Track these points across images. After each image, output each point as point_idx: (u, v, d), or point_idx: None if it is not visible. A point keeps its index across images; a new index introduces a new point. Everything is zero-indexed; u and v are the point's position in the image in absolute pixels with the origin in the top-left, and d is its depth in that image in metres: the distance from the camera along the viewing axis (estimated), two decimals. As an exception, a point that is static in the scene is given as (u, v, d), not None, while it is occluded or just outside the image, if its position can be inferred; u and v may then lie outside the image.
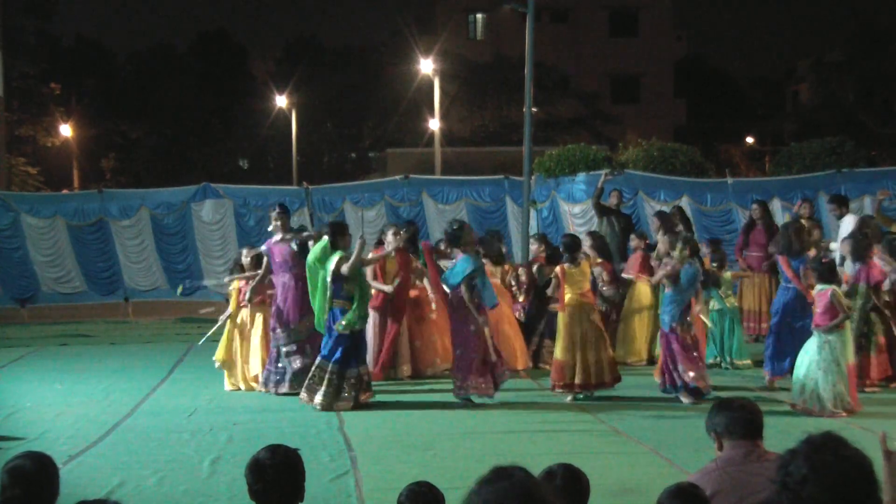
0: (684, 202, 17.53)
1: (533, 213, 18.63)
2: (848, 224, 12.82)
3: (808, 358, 9.66)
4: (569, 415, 9.94)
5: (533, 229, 17.12)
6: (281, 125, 46.93)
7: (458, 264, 10.34)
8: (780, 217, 17.36)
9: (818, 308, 9.74)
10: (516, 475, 2.63)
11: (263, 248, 11.53)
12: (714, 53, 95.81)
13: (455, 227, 10.67)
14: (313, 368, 10.39)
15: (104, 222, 19.17)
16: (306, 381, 10.39)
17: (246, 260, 11.81)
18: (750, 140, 53.54)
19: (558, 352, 10.65)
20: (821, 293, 9.75)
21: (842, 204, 13.45)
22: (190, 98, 48.69)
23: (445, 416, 9.96)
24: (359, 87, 48.59)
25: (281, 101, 45.48)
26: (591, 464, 6.01)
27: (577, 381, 10.53)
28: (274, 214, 11.51)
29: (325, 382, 10.23)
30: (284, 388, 11.08)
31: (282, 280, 11.25)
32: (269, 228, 11.66)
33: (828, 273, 9.91)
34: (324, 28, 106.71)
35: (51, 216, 19.04)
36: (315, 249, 10.60)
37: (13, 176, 36.87)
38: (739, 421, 4.10)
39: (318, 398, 10.24)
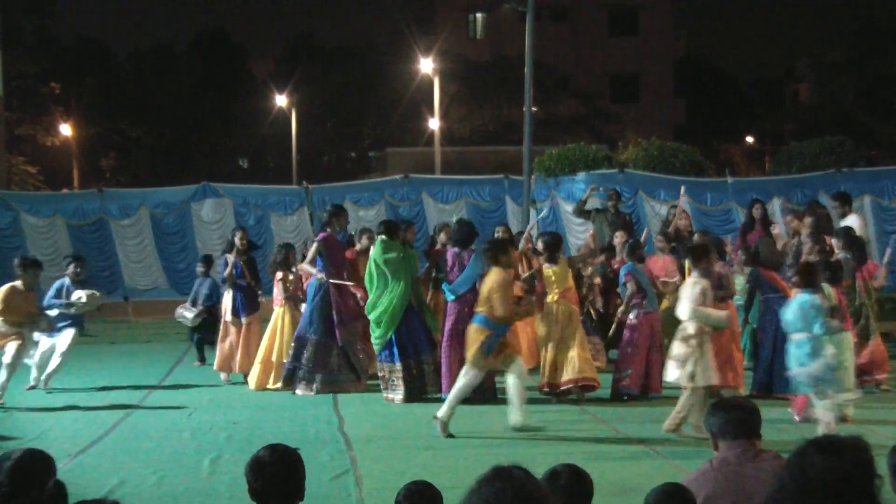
0: (683, 202, 17.51)
1: (533, 213, 18.64)
2: (850, 223, 12.77)
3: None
4: (569, 415, 9.93)
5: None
6: (281, 124, 46.91)
7: (468, 269, 10.42)
8: (780, 216, 17.37)
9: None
10: (516, 475, 2.64)
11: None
12: (714, 52, 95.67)
13: (462, 228, 10.88)
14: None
15: (104, 222, 19.18)
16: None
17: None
18: (750, 139, 53.52)
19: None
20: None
21: (844, 202, 13.38)
22: (190, 98, 48.67)
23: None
24: (359, 86, 48.56)
25: (281, 100, 45.48)
26: (591, 464, 6.00)
27: (559, 380, 10.37)
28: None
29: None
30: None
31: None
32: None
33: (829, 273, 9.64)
34: (324, 28, 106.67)
35: (50, 215, 19.05)
36: (376, 249, 10.70)
37: (13, 175, 36.89)
38: (734, 421, 4.10)
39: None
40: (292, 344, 11.22)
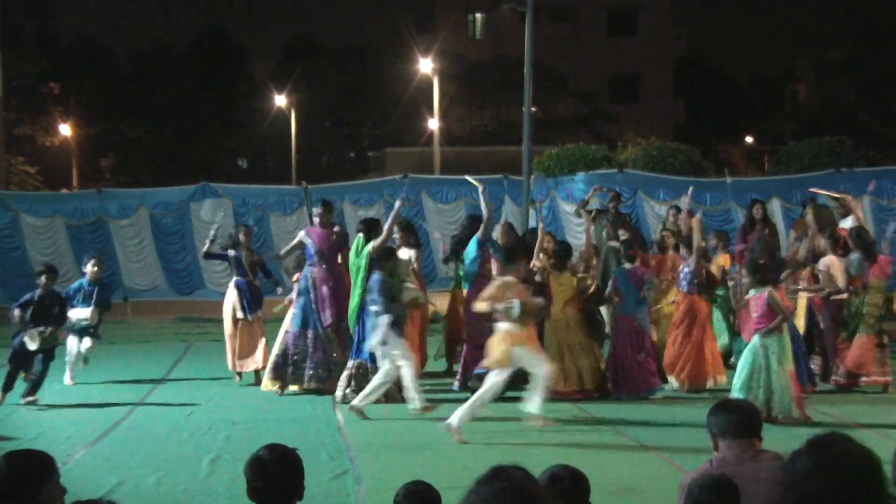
0: (683, 202, 17.49)
1: (532, 213, 18.63)
2: (849, 223, 12.75)
3: (751, 363, 9.26)
4: (568, 415, 9.94)
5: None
6: (280, 125, 46.94)
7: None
8: (780, 216, 17.38)
9: (755, 311, 9.30)
10: (515, 475, 2.63)
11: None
12: (714, 52, 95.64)
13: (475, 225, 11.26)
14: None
15: (103, 222, 19.16)
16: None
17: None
18: (749, 139, 53.51)
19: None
20: (756, 297, 9.31)
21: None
22: (189, 98, 48.69)
23: (444, 415, 9.93)
24: (358, 86, 48.61)
25: (280, 100, 45.50)
26: (591, 463, 6.00)
27: (562, 388, 10.41)
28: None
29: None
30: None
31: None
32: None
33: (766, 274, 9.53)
34: (324, 28, 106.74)
35: (49, 216, 19.03)
36: (353, 248, 10.73)
37: (12, 175, 36.87)
38: (734, 421, 4.10)
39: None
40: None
